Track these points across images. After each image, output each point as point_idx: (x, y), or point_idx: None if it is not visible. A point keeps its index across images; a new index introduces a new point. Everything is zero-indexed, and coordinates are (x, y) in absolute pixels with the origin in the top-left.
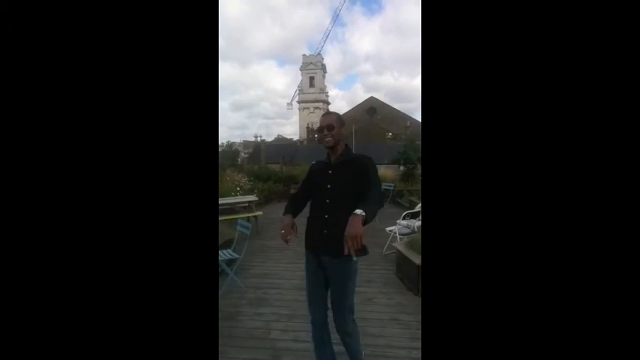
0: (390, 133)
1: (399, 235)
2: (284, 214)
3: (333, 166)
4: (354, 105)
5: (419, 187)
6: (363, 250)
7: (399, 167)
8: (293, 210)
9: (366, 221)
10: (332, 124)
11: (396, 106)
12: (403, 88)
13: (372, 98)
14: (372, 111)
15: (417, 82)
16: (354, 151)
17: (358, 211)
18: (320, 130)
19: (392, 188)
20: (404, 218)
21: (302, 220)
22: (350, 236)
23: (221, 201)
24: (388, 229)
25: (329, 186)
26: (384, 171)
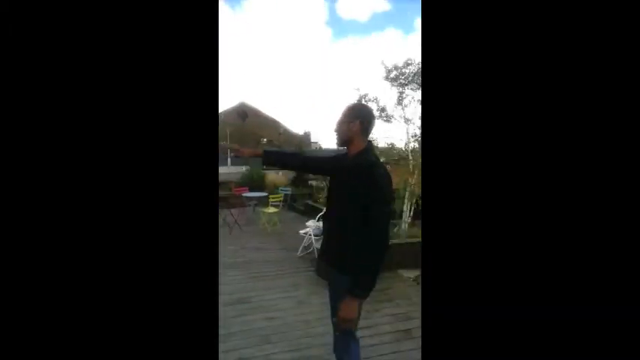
0: (265, 139)
1: (314, 236)
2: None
3: (347, 169)
4: (224, 109)
5: (309, 190)
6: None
7: (278, 172)
8: (276, 157)
9: (364, 295)
10: (341, 117)
11: (267, 112)
12: (274, 94)
13: (242, 103)
14: (244, 115)
15: (288, 88)
16: None
17: (355, 292)
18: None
19: (289, 193)
20: (318, 220)
21: None
22: (342, 320)
23: None
24: (301, 231)
25: (339, 188)
26: (275, 176)
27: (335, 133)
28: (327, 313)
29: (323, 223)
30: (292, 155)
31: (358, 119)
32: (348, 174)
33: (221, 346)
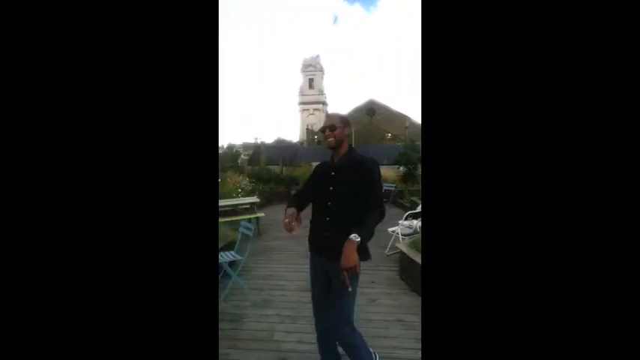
0: (390, 134)
1: (402, 235)
2: (287, 207)
3: (337, 168)
4: (353, 107)
5: (419, 187)
6: (365, 254)
7: (399, 168)
8: (296, 205)
9: (362, 243)
10: (334, 124)
11: (396, 107)
12: (403, 90)
13: (371, 100)
14: (371, 112)
15: (416, 84)
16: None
17: (353, 237)
18: (322, 130)
19: (393, 189)
20: (406, 219)
21: (306, 222)
22: (345, 268)
23: (222, 202)
24: (390, 229)
25: (331, 188)
26: (385, 172)
27: (328, 138)
28: (391, 316)
29: (316, 222)
30: (298, 197)
31: (348, 126)
32: (341, 173)
33: (283, 327)
